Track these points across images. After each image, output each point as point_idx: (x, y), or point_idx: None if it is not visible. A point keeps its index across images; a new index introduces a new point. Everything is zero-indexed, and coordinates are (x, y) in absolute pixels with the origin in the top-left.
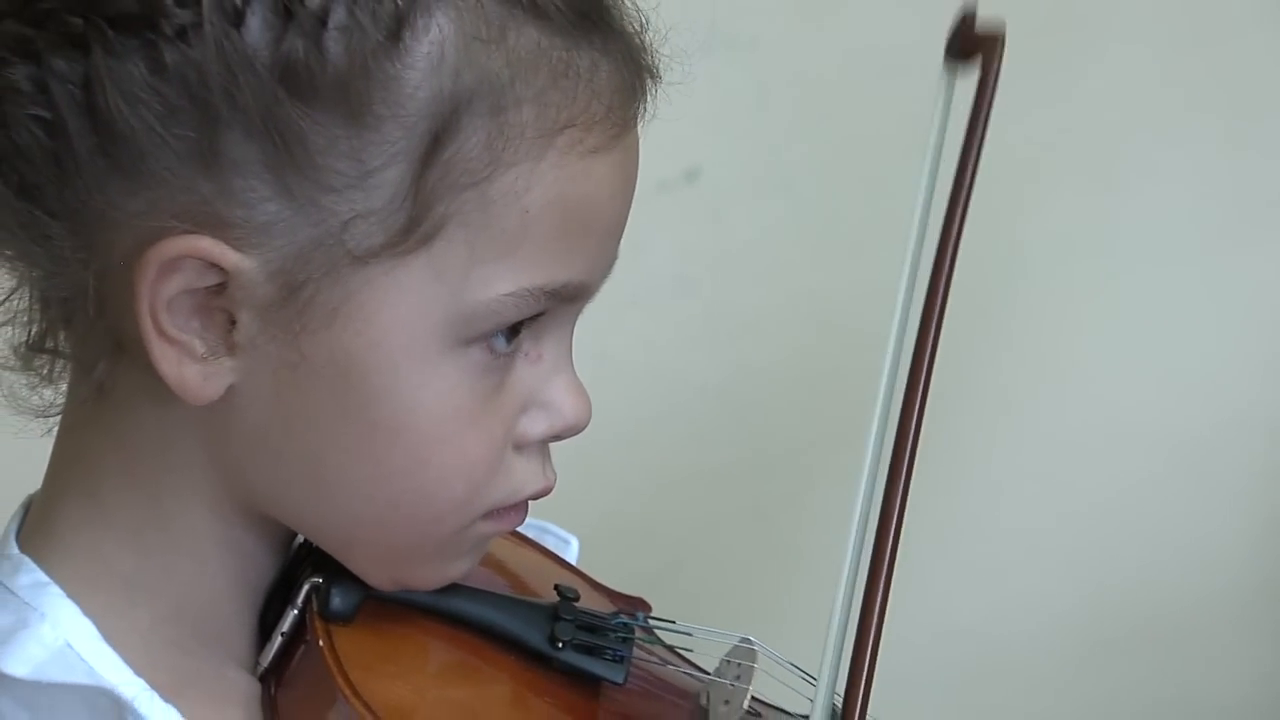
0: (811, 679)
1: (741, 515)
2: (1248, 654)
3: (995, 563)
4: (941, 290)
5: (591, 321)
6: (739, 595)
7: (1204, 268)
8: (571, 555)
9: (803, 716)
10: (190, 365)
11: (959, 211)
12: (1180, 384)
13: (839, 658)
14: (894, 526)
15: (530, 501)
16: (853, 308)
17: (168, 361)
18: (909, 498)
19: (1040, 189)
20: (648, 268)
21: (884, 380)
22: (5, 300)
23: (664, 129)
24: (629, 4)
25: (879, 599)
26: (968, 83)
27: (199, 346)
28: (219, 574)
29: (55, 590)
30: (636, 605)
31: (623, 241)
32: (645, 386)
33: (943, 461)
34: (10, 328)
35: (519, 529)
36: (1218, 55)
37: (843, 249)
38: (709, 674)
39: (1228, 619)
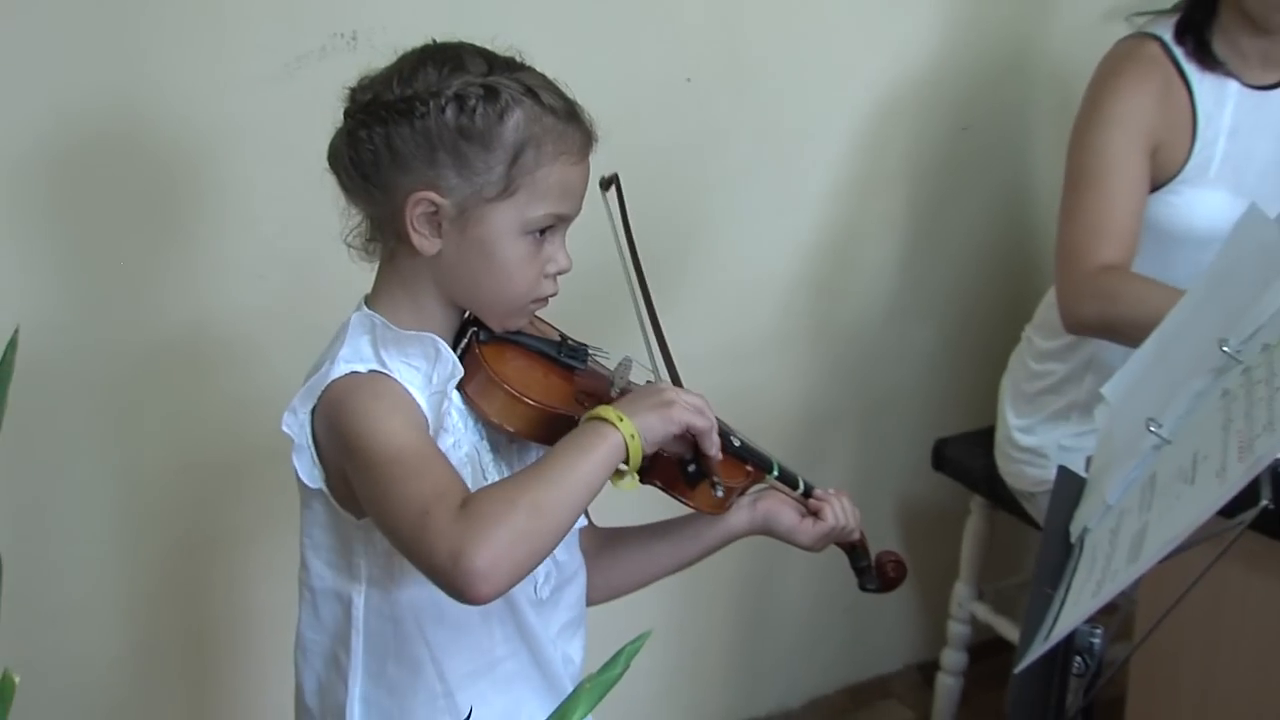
0: (649, 368)
1: (618, 323)
2: (791, 365)
3: (703, 317)
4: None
5: (579, 241)
6: (624, 346)
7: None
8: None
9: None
10: (425, 241)
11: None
12: (779, 250)
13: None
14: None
15: (549, 298)
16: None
17: (417, 239)
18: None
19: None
20: (591, 221)
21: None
22: (359, 224)
23: (601, 163)
24: (585, 110)
25: (662, 343)
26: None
27: (428, 233)
28: (441, 322)
29: (386, 324)
30: (580, 343)
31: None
32: (589, 264)
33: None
34: (352, 235)
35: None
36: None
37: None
38: (612, 369)
39: (776, 344)
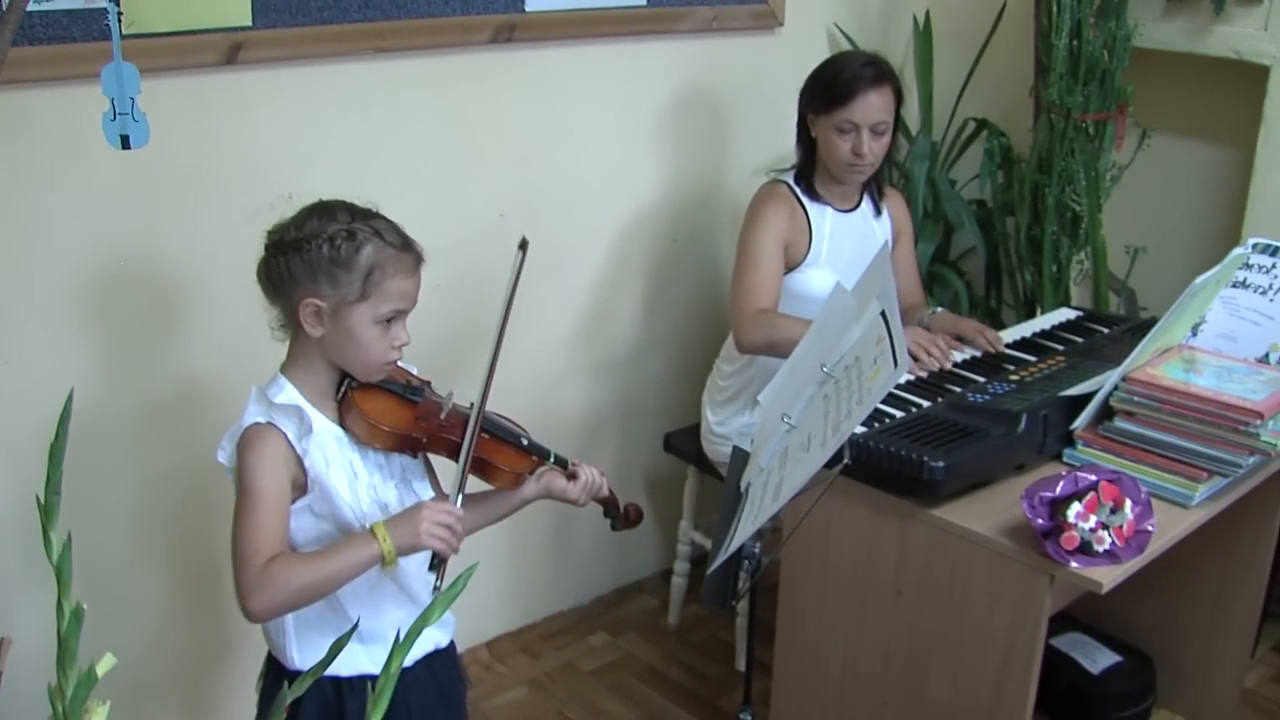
0: (469, 404)
1: (462, 359)
2: (573, 390)
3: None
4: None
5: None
6: (454, 383)
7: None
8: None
9: (470, 406)
10: (313, 329)
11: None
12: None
13: (483, 391)
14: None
15: (396, 360)
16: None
17: (308, 328)
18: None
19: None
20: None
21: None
22: (273, 316)
23: (440, 270)
24: (416, 241)
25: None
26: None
27: (314, 324)
28: (326, 378)
29: (289, 384)
30: (424, 380)
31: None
32: (457, 298)
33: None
34: (274, 322)
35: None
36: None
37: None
38: (441, 398)
39: (564, 377)
